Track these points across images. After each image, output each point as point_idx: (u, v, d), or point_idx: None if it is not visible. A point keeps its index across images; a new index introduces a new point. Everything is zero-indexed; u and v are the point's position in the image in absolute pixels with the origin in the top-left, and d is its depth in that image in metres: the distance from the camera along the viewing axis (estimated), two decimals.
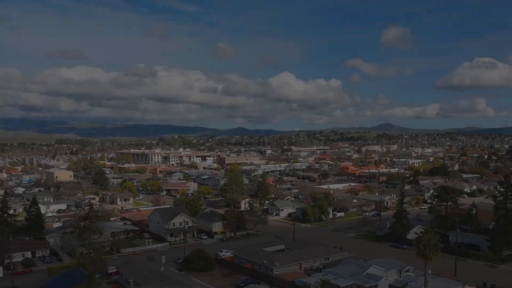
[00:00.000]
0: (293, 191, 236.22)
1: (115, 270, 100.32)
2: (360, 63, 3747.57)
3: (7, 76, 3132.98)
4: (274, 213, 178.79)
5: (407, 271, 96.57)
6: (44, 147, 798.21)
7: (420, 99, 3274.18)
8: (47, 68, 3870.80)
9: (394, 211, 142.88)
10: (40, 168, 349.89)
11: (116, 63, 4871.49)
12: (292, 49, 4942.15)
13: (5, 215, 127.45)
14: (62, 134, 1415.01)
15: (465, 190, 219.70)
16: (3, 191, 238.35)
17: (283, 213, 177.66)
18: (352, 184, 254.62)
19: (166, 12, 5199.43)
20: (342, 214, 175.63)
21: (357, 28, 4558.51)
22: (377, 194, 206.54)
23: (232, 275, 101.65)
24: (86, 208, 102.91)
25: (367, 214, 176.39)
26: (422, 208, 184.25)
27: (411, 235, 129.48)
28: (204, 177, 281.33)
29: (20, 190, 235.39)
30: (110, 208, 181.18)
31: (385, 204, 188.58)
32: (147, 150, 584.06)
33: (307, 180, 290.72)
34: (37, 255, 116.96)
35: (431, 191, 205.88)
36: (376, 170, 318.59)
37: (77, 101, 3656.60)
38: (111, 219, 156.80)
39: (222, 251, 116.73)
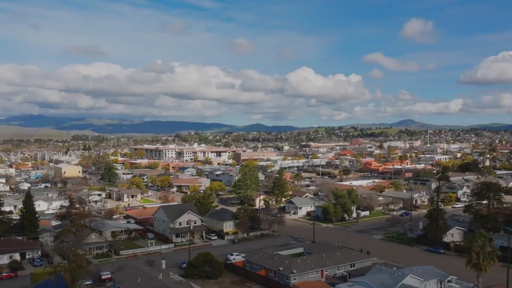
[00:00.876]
0: (312, 188, 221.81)
1: (109, 276, 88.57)
2: (381, 58, 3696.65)
3: (26, 73, 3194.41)
4: (292, 212, 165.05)
5: (449, 281, 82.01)
6: (60, 143, 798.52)
7: (443, 94, 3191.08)
8: (65, 65, 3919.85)
9: (427, 210, 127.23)
10: (51, 164, 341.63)
11: (134, 60, 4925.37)
12: (311, 44, 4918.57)
13: None
14: (79, 131, 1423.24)
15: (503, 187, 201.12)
16: (8, 187, 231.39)
17: (302, 212, 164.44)
18: (376, 180, 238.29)
19: (184, 8, 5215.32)
20: (366, 213, 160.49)
21: (378, 22, 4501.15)
22: (404, 191, 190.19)
23: (242, 283, 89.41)
24: (66, 205, 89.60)
25: (395, 213, 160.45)
26: (455, 207, 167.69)
27: (447, 238, 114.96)
28: (218, 172, 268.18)
29: (25, 185, 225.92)
30: (115, 205, 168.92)
31: (414, 203, 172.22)
32: (161, 146, 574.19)
33: (327, 177, 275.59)
34: (27, 257, 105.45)
35: (464, 188, 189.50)
36: (401, 166, 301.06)
37: (94, 98, 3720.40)
38: (114, 216, 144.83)
39: (232, 255, 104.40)
